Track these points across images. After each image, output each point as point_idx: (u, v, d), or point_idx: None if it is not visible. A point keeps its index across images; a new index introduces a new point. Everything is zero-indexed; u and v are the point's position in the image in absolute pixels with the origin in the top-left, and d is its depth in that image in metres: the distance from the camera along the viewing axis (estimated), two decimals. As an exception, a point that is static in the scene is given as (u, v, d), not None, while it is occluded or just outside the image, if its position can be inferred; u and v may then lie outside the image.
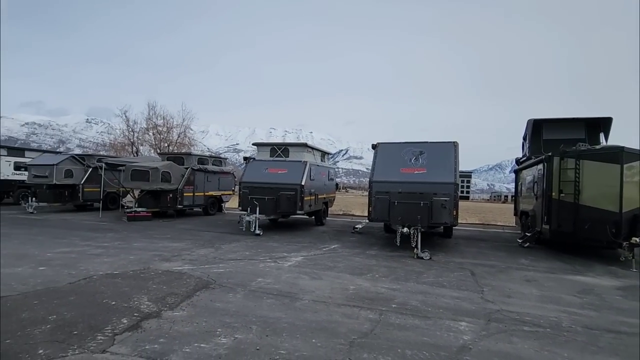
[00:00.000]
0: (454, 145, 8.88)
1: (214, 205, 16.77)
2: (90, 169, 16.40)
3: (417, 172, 8.60)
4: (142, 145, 31.72)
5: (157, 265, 6.40)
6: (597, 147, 8.68)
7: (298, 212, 11.02)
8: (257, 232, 10.30)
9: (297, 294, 5.00)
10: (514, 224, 14.16)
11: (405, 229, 7.67)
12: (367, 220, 10.01)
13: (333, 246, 9.08)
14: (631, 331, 4.03)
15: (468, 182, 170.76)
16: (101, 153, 26.67)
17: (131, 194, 15.36)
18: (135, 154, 29.70)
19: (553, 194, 8.84)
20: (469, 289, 5.55)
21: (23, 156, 19.12)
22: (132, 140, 31.41)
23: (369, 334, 3.70)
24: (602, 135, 10.19)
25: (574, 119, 10.35)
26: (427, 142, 9.14)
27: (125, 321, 3.81)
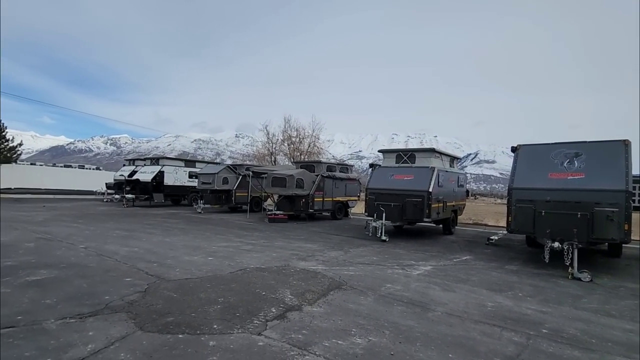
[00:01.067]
0: (625, 144, 7.22)
1: (341, 210, 17.58)
2: (240, 177, 19.27)
3: (571, 177, 7.31)
4: (278, 155, 35.53)
5: (295, 264, 7.12)
6: None
7: (425, 219, 10.65)
8: (384, 238, 10.37)
9: (429, 304, 4.88)
10: None
11: (557, 244, 6.59)
12: (504, 232, 9.00)
13: (465, 257, 8.47)
14: None
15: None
16: (247, 163, 31.02)
17: (271, 198, 17.37)
18: (273, 163, 33.48)
19: None
20: (647, 322, 4.45)
21: (194, 167, 23.76)
22: (271, 150, 35.50)
23: (515, 358, 3.36)
24: None
25: None
26: (585, 142, 7.69)
27: (273, 310, 4.40)
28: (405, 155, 11.99)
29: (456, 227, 14.04)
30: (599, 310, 4.87)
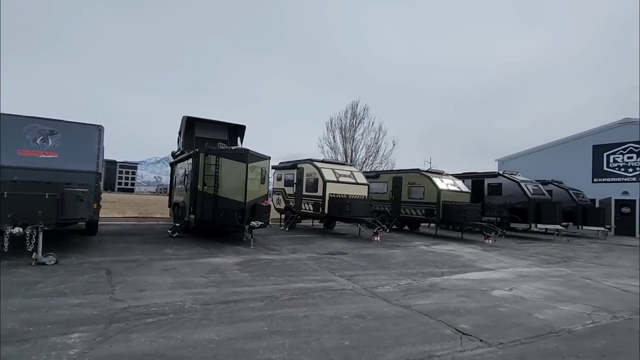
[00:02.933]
0: (99, 129, 7.81)
1: None
2: None
3: (44, 156, 6.81)
4: None
5: None
6: (233, 147, 10.46)
7: None
8: None
9: None
10: (168, 216, 14.64)
11: (17, 229, 5.80)
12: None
13: None
14: (239, 298, 4.92)
15: (133, 173, 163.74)
16: None
17: None
18: None
19: (199, 186, 9.76)
20: (97, 291, 4.89)
21: None
22: None
23: None
24: (239, 139, 12.47)
25: (219, 122, 12.00)
26: (62, 121, 7.48)
27: None
28: None
29: None
30: (52, 293, 4.71)
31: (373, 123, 29.88)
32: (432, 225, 17.23)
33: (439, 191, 14.39)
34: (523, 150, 25.75)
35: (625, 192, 20.49)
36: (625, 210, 20.43)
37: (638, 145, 20.24)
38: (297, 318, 4.22)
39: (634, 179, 20.31)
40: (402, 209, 16.05)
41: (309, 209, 13.67)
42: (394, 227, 16.54)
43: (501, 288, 6.24)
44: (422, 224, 18.36)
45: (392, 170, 20.14)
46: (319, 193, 13.09)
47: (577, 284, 6.84)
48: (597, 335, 4.17)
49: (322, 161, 14.58)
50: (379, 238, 12.11)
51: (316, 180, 13.37)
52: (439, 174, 15.71)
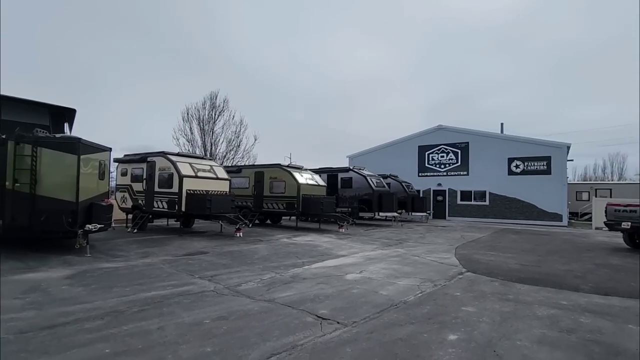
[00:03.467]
0: None
1: None
2: None
3: None
4: None
5: None
6: (58, 135, 8.47)
7: None
8: None
9: None
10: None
11: None
12: None
13: None
14: (70, 319, 3.99)
15: None
16: None
17: None
18: None
19: (7, 183, 7.60)
20: None
21: None
22: None
23: None
24: (66, 125, 10.21)
25: (37, 102, 9.53)
26: None
27: None
28: None
29: None
30: None
31: (234, 116, 29.22)
32: (293, 218, 17.97)
33: (299, 185, 15.07)
34: (368, 148, 29.45)
35: (439, 184, 25.80)
36: (439, 198, 25.73)
37: (447, 147, 25.72)
38: (149, 332, 3.70)
39: (444, 173, 25.73)
40: (264, 203, 16.18)
41: (163, 207, 12.35)
42: (257, 221, 16.56)
43: (353, 272, 6.93)
44: (283, 217, 18.94)
45: (254, 165, 20.10)
46: (175, 189, 11.95)
47: (409, 261, 8.18)
48: (424, 302, 5.04)
49: (178, 154, 13.36)
50: (241, 234, 11.87)
51: (171, 175, 12.15)
52: (299, 168, 16.46)
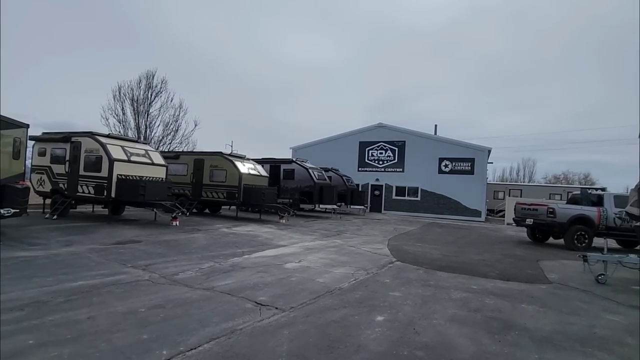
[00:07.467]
0: None
1: None
2: None
3: None
4: None
5: None
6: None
7: None
8: None
9: None
10: None
11: None
12: None
13: None
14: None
15: None
16: None
17: None
18: None
19: None
20: None
21: None
22: None
23: None
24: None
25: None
26: None
27: None
28: None
29: None
30: None
31: (172, 99, 27.64)
32: (233, 207, 17.70)
33: (240, 175, 14.88)
34: (312, 141, 29.84)
35: (377, 179, 27.10)
36: (377, 193, 27.06)
37: (386, 144, 27.07)
38: (78, 322, 3.55)
39: (382, 169, 27.09)
40: (203, 192, 15.71)
41: (89, 192, 11.43)
42: (195, 210, 16.03)
43: (292, 261, 7.16)
44: (223, 207, 18.55)
45: (193, 152, 19.33)
46: (104, 174, 11.11)
47: (346, 252, 8.64)
48: (357, 288, 5.44)
49: (108, 136, 12.41)
50: (178, 223, 11.46)
51: (99, 158, 11.27)
52: (241, 158, 16.23)
